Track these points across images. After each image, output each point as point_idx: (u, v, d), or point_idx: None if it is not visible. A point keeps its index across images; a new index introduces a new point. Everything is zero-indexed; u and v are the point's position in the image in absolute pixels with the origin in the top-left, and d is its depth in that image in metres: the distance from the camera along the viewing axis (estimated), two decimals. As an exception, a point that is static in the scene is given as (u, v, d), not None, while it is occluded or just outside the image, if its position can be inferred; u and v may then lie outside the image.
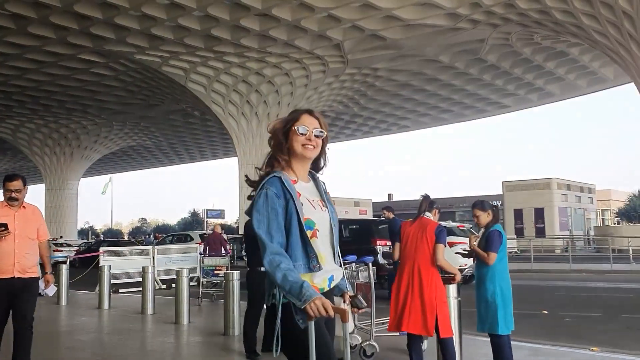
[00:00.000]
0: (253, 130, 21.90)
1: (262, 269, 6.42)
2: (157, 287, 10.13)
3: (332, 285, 2.21)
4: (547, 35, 17.61)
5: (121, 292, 10.96)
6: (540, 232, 25.50)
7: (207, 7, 15.34)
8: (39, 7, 15.12)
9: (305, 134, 2.17)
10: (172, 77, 20.29)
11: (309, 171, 2.30)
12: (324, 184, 2.36)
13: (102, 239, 36.88)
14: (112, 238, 41.58)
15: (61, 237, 27.98)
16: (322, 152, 2.29)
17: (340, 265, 2.35)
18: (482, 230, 4.77)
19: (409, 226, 4.92)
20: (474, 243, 4.82)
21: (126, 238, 44.79)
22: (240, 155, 22.07)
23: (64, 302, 9.22)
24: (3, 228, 4.01)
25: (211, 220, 36.13)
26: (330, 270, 2.20)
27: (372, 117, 29.75)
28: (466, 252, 5.02)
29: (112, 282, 9.55)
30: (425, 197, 4.98)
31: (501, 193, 27.39)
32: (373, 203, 30.57)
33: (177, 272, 7.43)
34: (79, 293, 10.83)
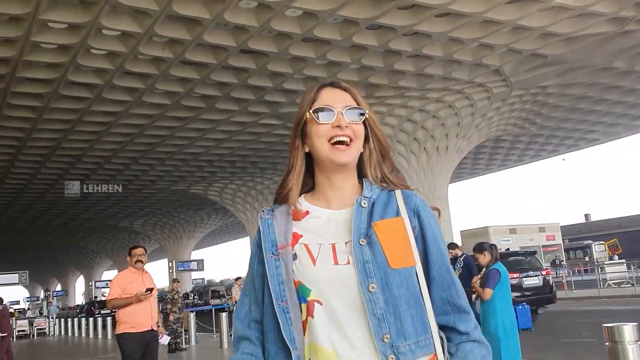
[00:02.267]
0: (424, 166, 22.29)
1: None
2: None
3: None
4: None
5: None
6: None
7: (361, 59, 16.41)
8: (222, 86, 17.50)
9: (329, 122, 1.34)
10: (342, 127, 21.71)
11: (371, 185, 1.39)
12: (415, 201, 1.36)
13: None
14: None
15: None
16: (371, 148, 1.40)
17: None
18: (484, 270, 5.16)
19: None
20: (475, 282, 5.29)
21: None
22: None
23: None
24: (149, 292, 5.14)
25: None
26: None
27: (554, 135, 28.26)
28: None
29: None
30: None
31: None
32: (561, 227, 28.60)
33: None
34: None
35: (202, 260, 35.29)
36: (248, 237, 35.90)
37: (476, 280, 5.78)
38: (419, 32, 14.99)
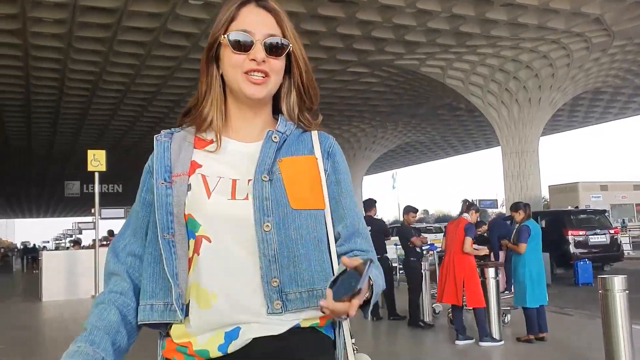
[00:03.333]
0: (515, 118, 21.77)
1: (413, 259, 8.13)
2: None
3: (242, 345, 1.11)
4: None
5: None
6: None
7: (451, 7, 16.14)
8: (311, 34, 17.84)
9: (245, 50, 1.20)
10: (430, 76, 21.53)
11: (294, 121, 1.32)
12: (330, 143, 1.33)
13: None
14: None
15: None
16: (291, 83, 1.31)
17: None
18: (517, 225, 6.06)
19: (450, 224, 6.65)
20: (505, 241, 6.38)
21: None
22: (503, 144, 22.17)
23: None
24: None
25: (490, 210, 36.41)
26: (232, 316, 1.12)
27: (661, 87, 26.52)
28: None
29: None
30: (464, 201, 6.67)
31: None
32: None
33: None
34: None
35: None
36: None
37: (505, 242, 6.89)
38: (512, -20, 14.51)
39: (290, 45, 1.24)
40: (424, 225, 28.51)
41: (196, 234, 1.16)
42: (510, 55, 20.12)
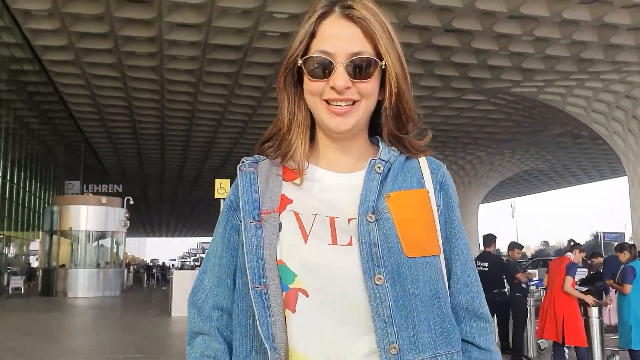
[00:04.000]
0: (644, 146, 20.49)
1: (518, 294, 8.07)
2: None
3: None
4: None
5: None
6: None
7: (571, 34, 15.72)
8: (425, 64, 18.10)
9: (324, 77, 1.02)
10: (550, 104, 20.90)
11: (383, 146, 1.10)
12: (442, 172, 1.11)
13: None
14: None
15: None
16: (389, 105, 1.07)
17: None
18: (622, 266, 5.94)
19: (553, 262, 6.89)
20: (610, 281, 6.93)
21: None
22: (630, 173, 20.89)
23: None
24: None
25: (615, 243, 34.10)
26: None
27: None
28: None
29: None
30: (569, 241, 6.95)
31: None
32: None
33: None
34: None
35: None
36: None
37: (611, 281, 7.15)
38: (639, 4, 13.92)
39: (382, 62, 1.03)
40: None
41: (290, 286, 0.98)
42: (638, 81, 19.08)
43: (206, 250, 1.12)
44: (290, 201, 1.04)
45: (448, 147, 30.08)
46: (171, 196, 44.93)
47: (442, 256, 1.05)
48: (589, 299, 6.52)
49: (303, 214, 1.02)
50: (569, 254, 6.59)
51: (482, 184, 33.87)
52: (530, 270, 9.39)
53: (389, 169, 1.06)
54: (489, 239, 9.15)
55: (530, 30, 15.40)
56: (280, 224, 1.02)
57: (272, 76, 18.59)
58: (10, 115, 24.34)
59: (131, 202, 22.86)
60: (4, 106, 23.29)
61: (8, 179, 25.99)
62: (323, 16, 1.04)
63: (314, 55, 1.01)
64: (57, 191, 33.51)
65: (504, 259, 9.41)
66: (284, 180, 1.07)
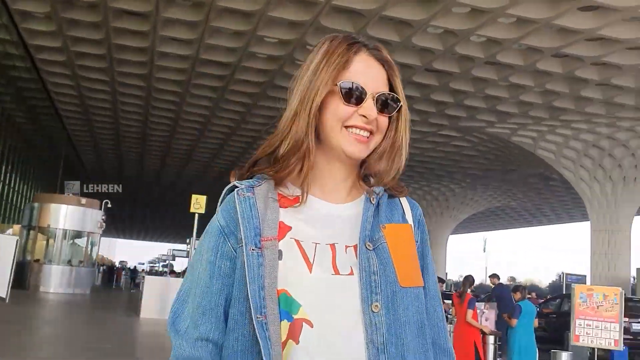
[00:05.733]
0: (607, 195, 21.41)
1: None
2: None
3: None
4: None
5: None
6: None
7: (545, 84, 16.57)
8: (406, 98, 18.79)
9: (356, 103, 1.05)
10: (521, 146, 21.76)
11: (363, 184, 1.13)
12: (419, 212, 1.19)
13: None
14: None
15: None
16: (390, 144, 1.11)
17: None
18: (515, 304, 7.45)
19: (455, 297, 8.31)
20: (505, 315, 8.58)
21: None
22: (592, 220, 21.78)
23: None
24: None
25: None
26: None
27: None
28: None
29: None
30: (466, 277, 8.31)
31: None
32: None
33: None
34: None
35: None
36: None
37: (505, 315, 8.53)
38: (607, 63, 14.81)
39: (401, 103, 1.09)
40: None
41: (294, 317, 0.96)
42: (605, 133, 20.03)
43: (185, 276, 1.10)
44: (289, 228, 1.03)
45: (424, 177, 30.85)
46: (146, 200, 44.99)
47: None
48: (487, 328, 8.07)
49: (304, 241, 1.02)
50: (468, 290, 8.08)
51: (453, 217, 34.66)
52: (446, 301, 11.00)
53: (379, 202, 1.10)
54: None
55: (506, 76, 16.21)
56: (280, 252, 1.00)
57: (257, 94, 19.16)
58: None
59: (109, 205, 23.11)
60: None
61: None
62: (356, 51, 1.07)
63: (354, 83, 1.04)
64: (37, 187, 33.53)
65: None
66: (280, 207, 1.05)
